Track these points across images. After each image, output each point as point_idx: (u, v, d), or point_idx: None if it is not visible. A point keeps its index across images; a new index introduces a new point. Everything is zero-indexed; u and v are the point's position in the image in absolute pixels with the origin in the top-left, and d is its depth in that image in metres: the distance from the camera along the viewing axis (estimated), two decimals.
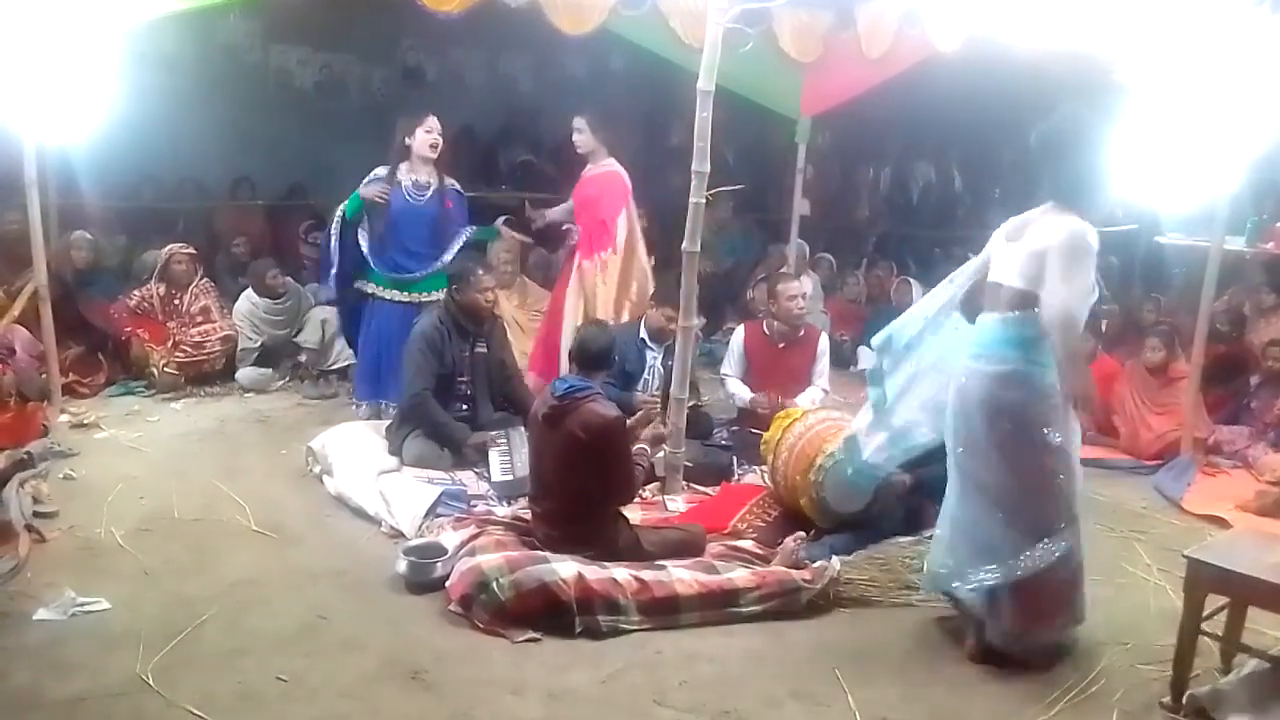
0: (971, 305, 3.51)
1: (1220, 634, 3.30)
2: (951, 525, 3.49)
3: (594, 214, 5.62)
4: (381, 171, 5.47)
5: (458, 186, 5.69)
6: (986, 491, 3.37)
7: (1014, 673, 3.42)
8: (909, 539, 4.26)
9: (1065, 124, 3.33)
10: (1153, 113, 5.06)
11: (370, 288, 5.59)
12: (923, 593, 3.80)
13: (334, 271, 5.55)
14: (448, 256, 5.55)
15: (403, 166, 5.48)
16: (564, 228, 5.78)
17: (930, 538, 3.72)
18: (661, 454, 4.66)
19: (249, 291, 6.75)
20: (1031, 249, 3.24)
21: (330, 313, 6.92)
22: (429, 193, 5.52)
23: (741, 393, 5.52)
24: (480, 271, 5.13)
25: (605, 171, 5.68)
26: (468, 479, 4.74)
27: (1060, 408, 3.28)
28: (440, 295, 5.32)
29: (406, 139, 5.45)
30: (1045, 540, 3.30)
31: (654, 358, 5.40)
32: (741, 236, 9.26)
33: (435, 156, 5.49)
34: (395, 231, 5.49)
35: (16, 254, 6.06)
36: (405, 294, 5.56)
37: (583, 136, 5.66)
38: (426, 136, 5.43)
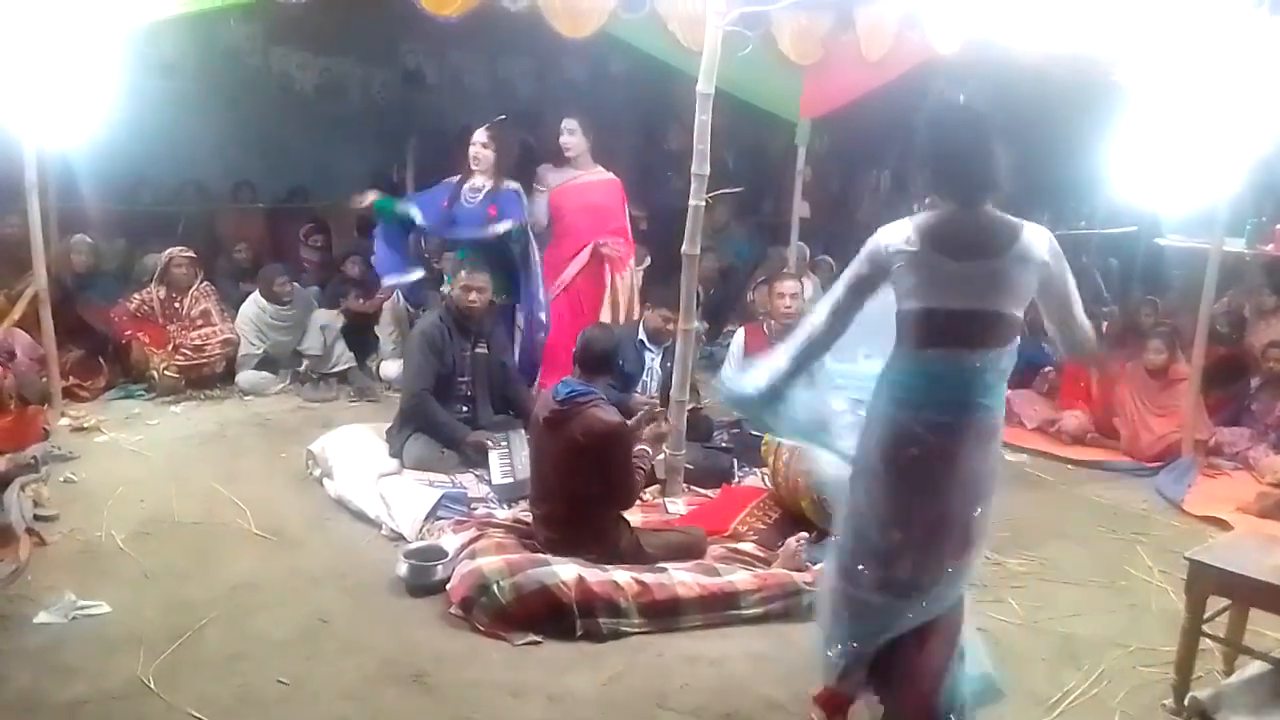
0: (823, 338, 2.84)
1: (1222, 636, 3.30)
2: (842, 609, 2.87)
3: (606, 226, 5.70)
4: (453, 180, 5.65)
5: (513, 187, 5.63)
6: (918, 574, 2.75)
7: (1016, 675, 3.41)
8: None
9: (946, 118, 2.79)
10: (1153, 114, 5.07)
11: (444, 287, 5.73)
12: None
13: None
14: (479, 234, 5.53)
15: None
16: (601, 243, 5.72)
17: None
18: (662, 456, 4.65)
19: (255, 296, 6.75)
20: (1011, 268, 2.63)
21: (330, 318, 6.95)
22: (480, 197, 5.54)
23: None
24: (464, 270, 5.14)
25: (608, 180, 5.77)
26: (468, 481, 4.74)
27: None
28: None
29: None
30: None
31: (652, 359, 5.40)
32: (744, 239, 9.26)
33: (480, 168, 5.54)
34: (454, 234, 5.67)
35: (17, 257, 6.06)
36: None
37: (575, 139, 5.68)
38: (470, 149, 5.55)
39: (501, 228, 5.47)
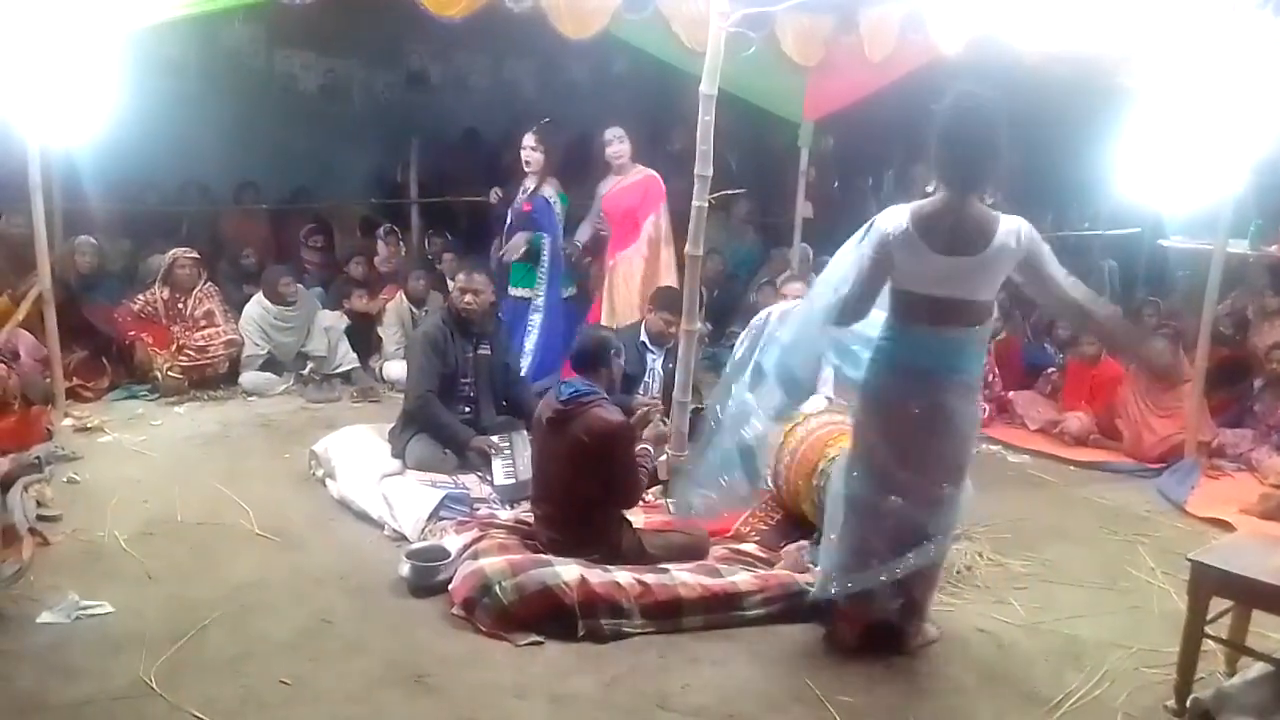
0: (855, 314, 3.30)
1: (1224, 637, 3.29)
2: (864, 532, 3.38)
3: (635, 220, 5.87)
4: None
5: (546, 194, 5.91)
6: (921, 493, 3.30)
7: (1018, 675, 3.42)
8: None
9: (969, 105, 3.11)
10: (1157, 116, 5.07)
11: None
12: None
13: None
14: (508, 257, 5.92)
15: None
16: (601, 233, 6.03)
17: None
18: (664, 457, 4.65)
19: (259, 297, 6.76)
20: (1000, 257, 3.11)
21: (334, 319, 6.97)
22: (523, 198, 5.91)
23: None
24: (461, 273, 5.16)
25: (644, 177, 5.95)
26: (470, 482, 4.75)
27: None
28: (523, 291, 5.89)
29: None
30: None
31: (654, 360, 5.40)
32: (748, 241, 9.26)
33: (531, 169, 5.88)
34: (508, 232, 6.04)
35: (21, 258, 6.08)
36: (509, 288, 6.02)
37: (623, 146, 5.92)
38: (522, 153, 5.86)
39: (511, 255, 5.86)
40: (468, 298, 5.05)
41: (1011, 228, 3.12)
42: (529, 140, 5.86)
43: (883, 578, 3.32)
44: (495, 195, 6.38)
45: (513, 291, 5.99)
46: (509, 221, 6.05)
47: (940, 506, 3.32)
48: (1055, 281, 3.18)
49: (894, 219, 3.17)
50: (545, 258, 5.92)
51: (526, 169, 5.89)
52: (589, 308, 6.21)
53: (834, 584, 3.45)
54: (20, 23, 4.74)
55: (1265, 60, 4.72)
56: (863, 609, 3.45)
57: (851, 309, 3.27)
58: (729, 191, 5.11)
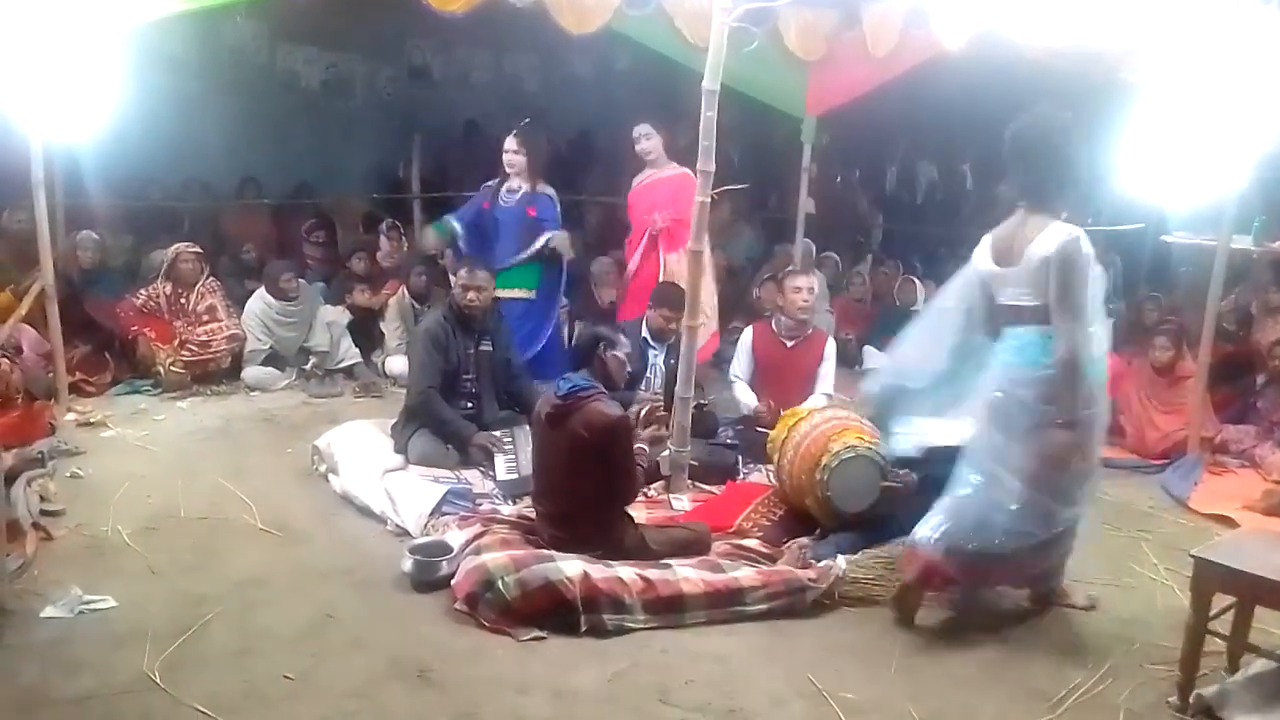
0: (990, 326, 3.64)
1: (1227, 633, 3.29)
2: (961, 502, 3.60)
3: (672, 213, 5.87)
4: (491, 183, 5.95)
5: (549, 192, 5.91)
6: (999, 485, 3.51)
7: (1021, 671, 3.42)
8: None
9: (1037, 124, 3.42)
10: (1160, 111, 5.06)
11: None
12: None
13: None
14: (523, 254, 5.80)
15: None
16: (653, 217, 5.97)
17: None
18: (666, 452, 4.65)
19: (261, 292, 6.77)
20: (1033, 267, 3.36)
21: (336, 314, 6.97)
22: (516, 198, 5.83)
23: (746, 399, 5.54)
24: (464, 270, 5.16)
25: (680, 174, 5.91)
26: (473, 477, 4.75)
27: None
28: (523, 292, 5.80)
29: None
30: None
31: (656, 356, 5.40)
32: (749, 237, 9.25)
33: (515, 171, 5.84)
34: (495, 233, 5.90)
35: (24, 253, 6.09)
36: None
37: (651, 142, 5.95)
38: (505, 156, 5.84)
39: (540, 243, 5.74)
40: (470, 294, 5.05)
41: (1054, 237, 3.33)
42: (511, 143, 5.82)
43: (966, 547, 3.52)
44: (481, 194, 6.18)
45: (503, 294, 5.79)
46: (493, 222, 5.88)
47: (1023, 503, 3.46)
48: (1057, 305, 3.33)
49: (981, 248, 3.58)
50: (563, 257, 5.90)
51: (509, 170, 5.83)
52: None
53: (935, 533, 3.57)
54: (22, 19, 4.74)
55: (1268, 56, 4.71)
56: (963, 567, 3.57)
57: (977, 326, 3.68)
58: (732, 187, 5.11)
